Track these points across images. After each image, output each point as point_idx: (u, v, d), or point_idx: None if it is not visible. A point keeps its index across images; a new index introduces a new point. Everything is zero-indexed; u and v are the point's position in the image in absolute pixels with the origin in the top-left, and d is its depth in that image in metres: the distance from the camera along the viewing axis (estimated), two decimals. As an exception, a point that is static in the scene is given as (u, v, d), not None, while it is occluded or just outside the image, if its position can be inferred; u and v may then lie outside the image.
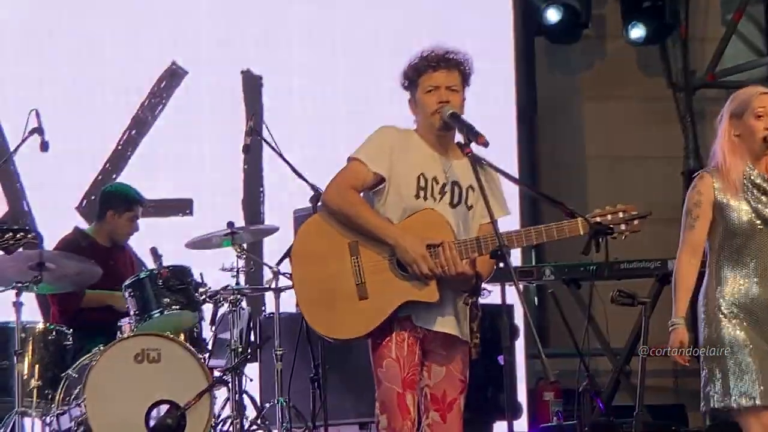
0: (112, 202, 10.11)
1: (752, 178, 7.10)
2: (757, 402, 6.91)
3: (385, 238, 6.71)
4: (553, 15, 12.89)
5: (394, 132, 6.92)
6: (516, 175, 11.01)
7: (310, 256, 6.88)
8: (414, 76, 6.94)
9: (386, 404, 6.76)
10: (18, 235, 7.18)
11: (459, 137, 6.92)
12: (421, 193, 6.85)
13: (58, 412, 9.09)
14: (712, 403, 7.08)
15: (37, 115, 9.22)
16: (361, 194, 6.93)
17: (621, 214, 6.82)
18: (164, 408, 8.93)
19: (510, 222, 7.17)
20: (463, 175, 6.86)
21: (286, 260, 9.22)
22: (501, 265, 6.73)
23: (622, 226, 6.82)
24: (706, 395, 7.12)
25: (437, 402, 6.85)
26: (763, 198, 7.16)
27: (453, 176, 6.89)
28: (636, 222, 6.85)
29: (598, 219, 6.79)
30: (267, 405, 9.52)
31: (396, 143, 6.87)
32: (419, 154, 6.87)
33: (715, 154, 7.31)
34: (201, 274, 9.64)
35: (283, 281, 9.43)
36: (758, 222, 7.09)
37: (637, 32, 13.22)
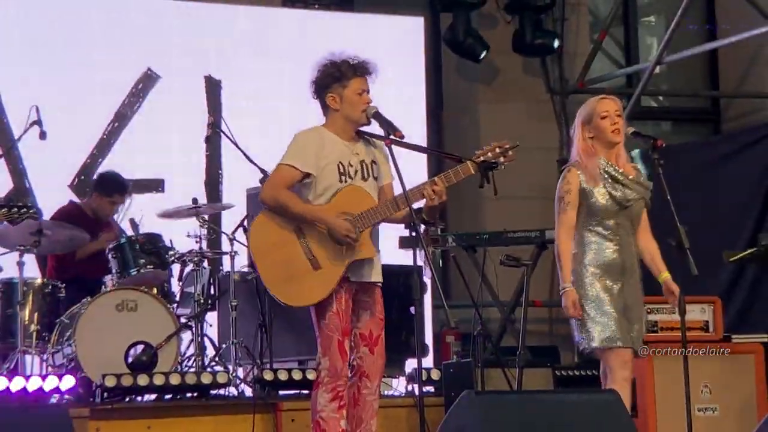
0: (101, 186, 10.06)
1: (606, 169, 7.20)
2: (618, 344, 6.87)
3: (315, 221, 6.72)
4: (459, 32, 12.67)
5: (309, 134, 6.91)
6: (425, 161, 10.90)
7: (265, 247, 6.81)
8: (344, 77, 6.83)
9: (329, 349, 6.75)
10: (22, 210, 7.20)
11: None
12: (342, 177, 6.85)
13: (53, 350, 9.07)
14: (583, 345, 7.12)
15: (37, 110, 9.13)
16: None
17: (498, 150, 6.90)
18: (140, 348, 8.84)
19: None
20: (364, 153, 6.94)
21: (240, 229, 9.34)
22: (413, 234, 6.77)
23: (501, 158, 6.89)
24: (578, 339, 7.04)
25: (365, 339, 6.87)
26: (617, 185, 7.14)
27: (359, 157, 6.91)
28: (511, 152, 6.97)
29: (481, 158, 6.84)
30: (223, 345, 9.42)
31: (314, 143, 6.86)
32: (335, 147, 6.87)
33: (575, 155, 7.35)
34: (170, 240, 9.60)
35: (237, 247, 9.22)
36: (613, 203, 7.09)
37: (528, 48, 13.02)
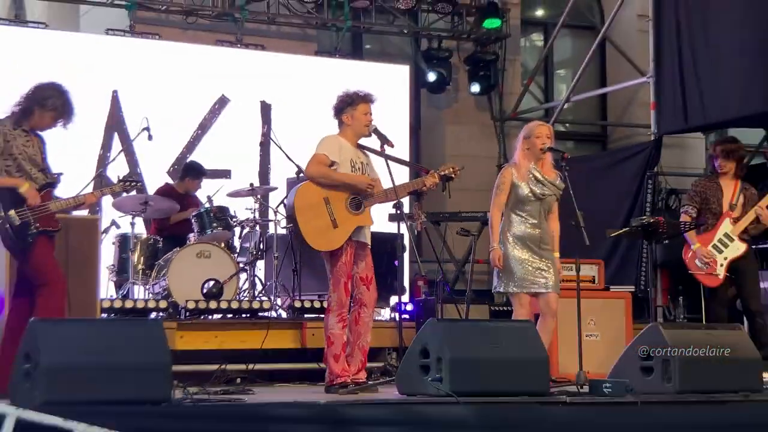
0: (189, 172, 10.01)
1: (532, 172, 7.18)
2: (516, 290, 7.10)
3: (351, 181, 6.75)
4: (431, 76, 12.61)
5: (332, 138, 6.87)
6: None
7: (303, 208, 6.74)
8: (355, 103, 6.86)
9: (337, 287, 6.75)
10: (133, 183, 7.04)
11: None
12: (353, 170, 6.83)
13: (153, 283, 9.02)
14: (497, 288, 7.23)
15: (147, 120, 8.86)
16: None
17: (452, 169, 7.00)
18: (211, 282, 8.75)
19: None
20: (362, 158, 6.94)
21: (281, 205, 9.28)
22: (397, 211, 6.88)
23: (454, 175, 6.98)
24: (495, 284, 7.23)
25: (363, 280, 6.85)
26: (537, 183, 7.15)
27: (360, 160, 6.91)
28: (458, 172, 7.04)
29: (443, 172, 6.95)
30: (268, 283, 9.35)
31: (336, 144, 6.83)
32: (348, 150, 6.85)
33: (514, 158, 7.30)
34: (234, 211, 9.61)
35: (279, 217, 9.24)
36: (532, 195, 7.12)
37: (475, 88, 12.96)
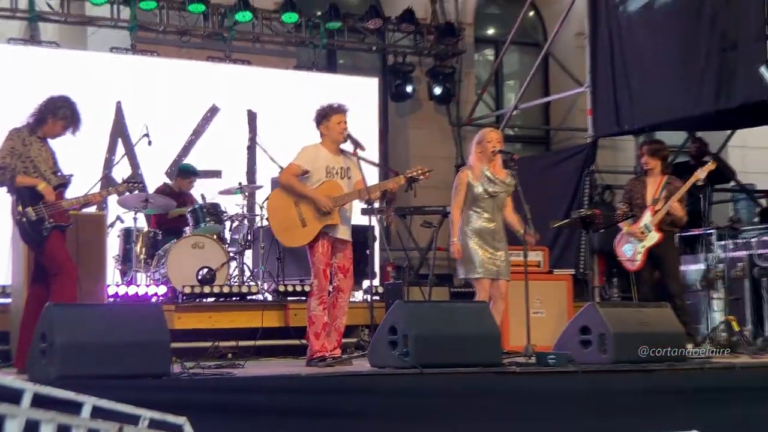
0: (183, 173, 9.90)
1: (485, 172, 7.17)
2: (477, 276, 7.07)
3: (309, 196, 6.67)
4: (398, 87, 12.63)
5: (310, 147, 6.85)
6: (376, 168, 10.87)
7: (275, 209, 6.84)
8: (329, 115, 6.83)
9: (318, 274, 6.73)
10: (137, 185, 7.01)
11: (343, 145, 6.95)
12: (328, 176, 6.80)
13: (153, 271, 8.92)
14: (460, 275, 7.23)
15: (146, 127, 8.88)
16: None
17: (419, 171, 6.87)
18: (205, 270, 8.66)
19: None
20: (342, 162, 6.86)
21: (265, 201, 9.03)
22: (368, 206, 6.91)
23: (421, 177, 6.88)
24: (459, 271, 7.26)
25: (341, 269, 6.83)
26: (490, 183, 7.14)
27: (339, 165, 6.85)
28: (426, 174, 6.92)
29: (410, 174, 6.88)
30: (255, 270, 9.29)
31: (313, 153, 6.82)
32: (324, 158, 6.82)
33: (469, 161, 7.34)
34: (225, 207, 9.51)
35: (264, 212, 9.17)
36: (486, 193, 7.12)
37: (436, 97, 12.94)
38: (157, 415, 4.00)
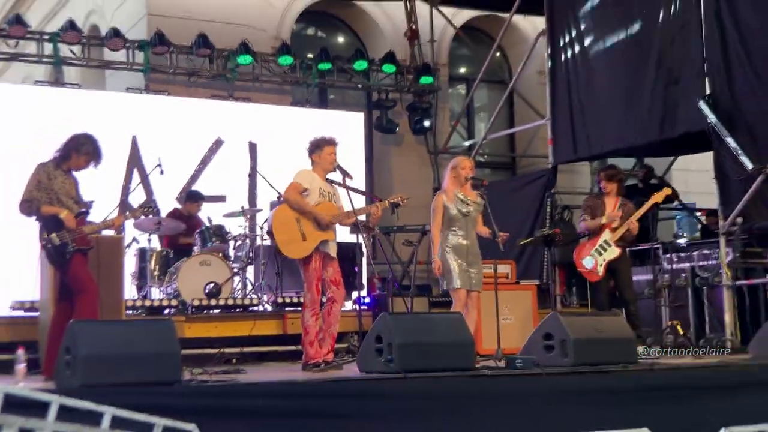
0: (191, 198, 9.82)
1: (458, 195, 7.14)
2: (455, 287, 6.98)
3: (316, 214, 6.64)
4: (382, 121, 12.64)
5: (306, 171, 6.81)
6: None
7: (280, 224, 6.69)
8: (321, 146, 6.82)
9: (310, 288, 6.66)
10: (151, 209, 6.96)
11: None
12: (321, 197, 6.75)
13: (166, 286, 8.91)
14: (444, 287, 7.07)
15: (159, 159, 8.88)
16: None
17: (400, 198, 7.07)
18: (212, 285, 8.59)
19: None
20: (330, 188, 6.84)
21: (265, 223, 9.07)
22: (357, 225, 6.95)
23: (401, 203, 7.08)
24: (441, 283, 7.08)
25: (334, 282, 6.74)
26: (463, 204, 7.11)
27: (328, 189, 6.82)
28: (405, 201, 7.11)
29: (392, 200, 7.05)
30: (256, 284, 9.24)
31: (309, 177, 6.77)
32: (318, 181, 6.78)
33: (443, 186, 7.30)
34: (229, 228, 9.42)
35: (264, 232, 9.15)
36: (460, 214, 7.09)
37: (415, 129, 12.98)
38: (169, 423, 3.94)
